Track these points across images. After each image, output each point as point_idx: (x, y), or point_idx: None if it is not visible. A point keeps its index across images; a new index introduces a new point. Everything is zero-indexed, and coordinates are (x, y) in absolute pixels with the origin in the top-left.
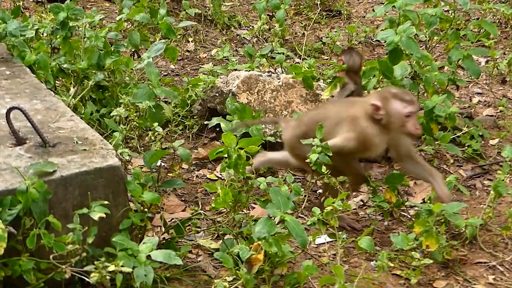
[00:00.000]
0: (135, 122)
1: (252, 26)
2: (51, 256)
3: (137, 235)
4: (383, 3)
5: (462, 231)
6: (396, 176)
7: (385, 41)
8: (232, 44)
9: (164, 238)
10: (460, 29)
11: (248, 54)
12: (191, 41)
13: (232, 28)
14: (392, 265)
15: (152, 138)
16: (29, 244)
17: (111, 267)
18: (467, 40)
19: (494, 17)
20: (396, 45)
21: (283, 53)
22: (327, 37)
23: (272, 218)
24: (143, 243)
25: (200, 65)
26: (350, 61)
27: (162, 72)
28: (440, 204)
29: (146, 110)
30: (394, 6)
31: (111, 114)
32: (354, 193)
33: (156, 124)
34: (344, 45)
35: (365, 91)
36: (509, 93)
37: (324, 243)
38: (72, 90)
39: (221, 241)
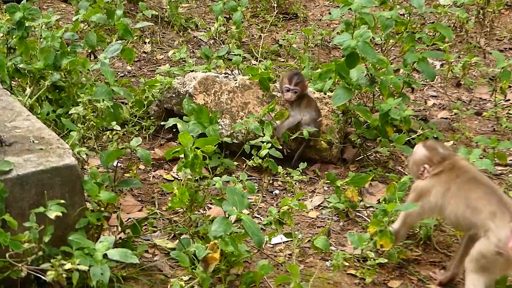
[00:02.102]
0: (92, 122)
1: (209, 28)
2: (7, 255)
3: (94, 235)
4: (339, 6)
5: (416, 231)
6: (362, 177)
7: (341, 45)
8: (189, 45)
9: (120, 237)
10: (416, 32)
11: (205, 56)
12: (148, 42)
13: (189, 30)
14: (347, 264)
15: (110, 137)
16: None
17: (68, 265)
18: (423, 43)
19: (449, 21)
20: (352, 50)
21: (240, 55)
22: (283, 40)
23: (228, 217)
24: (100, 242)
25: (157, 67)
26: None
27: (119, 73)
28: (395, 204)
29: (104, 110)
30: (350, 9)
31: (70, 113)
32: (309, 194)
33: (114, 123)
34: (301, 48)
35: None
36: (463, 96)
37: (280, 242)
38: (28, 90)
39: (177, 240)
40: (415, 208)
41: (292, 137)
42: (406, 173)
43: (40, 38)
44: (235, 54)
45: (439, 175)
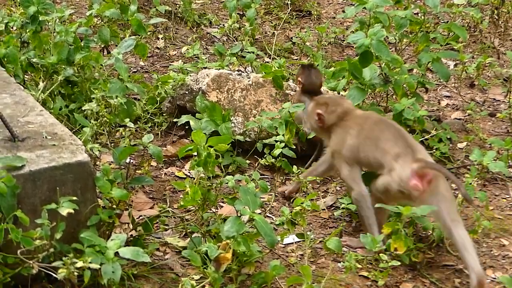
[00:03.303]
0: (105, 118)
1: (223, 25)
2: (18, 251)
3: (105, 232)
4: (353, 4)
5: (429, 233)
6: (369, 174)
7: (355, 44)
8: (202, 42)
9: (131, 235)
10: (430, 32)
11: (218, 53)
12: (161, 38)
13: (202, 26)
14: (359, 266)
15: (123, 133)
16: None
17: (79, 263)
18: (437, 43)
19: (463, 20)
20: (366, 48)
21: (253, 52)
22: (297, 37)
23: (241, 216)
24: (111, 239)
25: (170, 63)
26: (308, 81)
27: (132, 68)
28: (410, 208)
29: (117, 106)
30: (364, 8)
31: (83, 109)
32: (322, 194)
33: (127, 119)
34: (314, 45)
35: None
36: (477, 96)
37: (292, 243)
38: (41, 85)
39: (188, 239)
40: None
41: (310, 137)
42: None
43: (54, 33)
44: (248, 52)
45: (345, 120)
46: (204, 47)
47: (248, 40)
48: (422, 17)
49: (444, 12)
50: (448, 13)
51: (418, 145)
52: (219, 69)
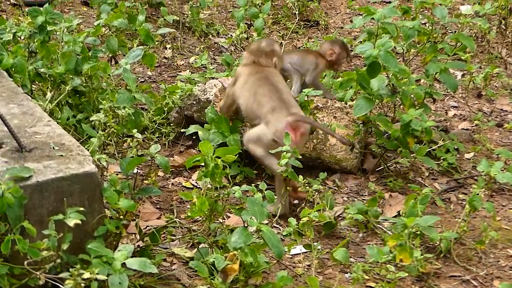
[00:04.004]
0: (113, 129)
1: (231, 35)
2: (25, 262)
3: (112, 242)
4: (361, 14)
5: (436, 244)
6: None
7: (363, 54)
8: (210, 52)
9: (138, 245)
10: (437, 42)
11: (226, 63)
12: (169, 48)
13: (210, 36)
14: (367, 277)
15: (130, 144)
16: (3, 249)
17: (86, 274)
18: (444, 53)
19: (471, 30)
20: (374, 59)
21: None
22: (304, 47)
23: (248, 227)
24: (118, 250)
25: (178, 73)
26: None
27: (139, 78)
28: (414, 218)
29: (125, 117)
30: (372, 18)
31: (91, 119)
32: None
33: (135, 130)
34: None
35: None
36: (484, 107)
37: (299, 253)
38: (49, 95)
39: (195, 250)
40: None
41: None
42: (426, 185)
43: (62, 42)
44: None
45: (248, 66)
46: (212, 57)
47: None
48: (430, 27)
49: (451, 22)
50: (456, 23)
51: (292, 101)
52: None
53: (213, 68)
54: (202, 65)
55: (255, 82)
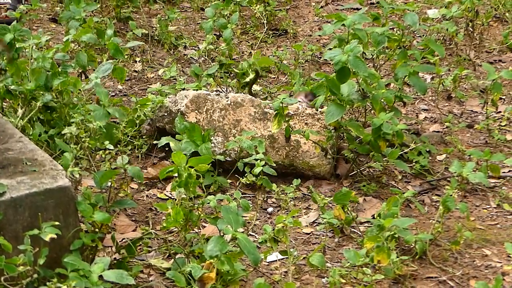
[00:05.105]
0: (87, 143)
1: (198, 47)
2: (2, 278)
3: (88, 256)
4: (330, 22)
5: (412, 246)
6: (344, 193)
7: (332, 60)
8: (180, 64)
9: (115, 258)
10: (406, 47)
11: (194, 74)
12: (139, 61)
13: (180, 48)
14: (343, 281)
15: (103, 156)
16: None
17: None
18: (414, 59)
19: (439, 34)
20: (343, 64)
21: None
22: (274, 56)
23: (224, 236)
24: (95, 263)
25: (148, 85)
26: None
27: (110, 92)
28: (391, 220)
29: (97, 130)
30: (342, 25)
31: (63, 132)
32: (304, 210)
33: (107, 142)
34: (291, 63)
35: None
36: (454, 109)
37: (276, 260)
38: (20, 112)
39: (172, 260)
40: None
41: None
42: (399, 188)
43: (31, 59)
44: (226, 72)
45: None
46: (181, 69)
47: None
48: (399, 33)
49: (420, 28)
50: (424, 29)
51: None
52: (197, 90)
53: (183, 80)
54: (171, 77)
55: None
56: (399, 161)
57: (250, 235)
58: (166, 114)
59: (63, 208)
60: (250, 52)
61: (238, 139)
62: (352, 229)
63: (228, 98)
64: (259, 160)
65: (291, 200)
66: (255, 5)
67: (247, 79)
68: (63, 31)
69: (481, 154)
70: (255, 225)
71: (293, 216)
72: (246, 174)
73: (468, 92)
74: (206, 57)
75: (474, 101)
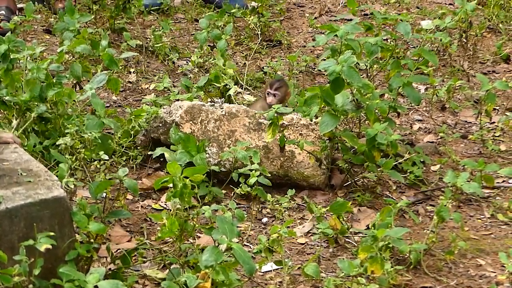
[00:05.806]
0: (82, 154)
1: (191, 58)
2: None
3: (84, 266)
4: (323, 32)
5: (406, 256)
6: (341, 204)
7: (326, 71)
8: (174, 74)
9: (110, 268)
10: (400, 57)
11: (185, 87)
12: (133, 72)
13: (174, 59)
14: None
15: (98, 166)
16: None
17: None
18: (407, 69)
19: (432, 45)
20: (337, 75)
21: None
22: (268, 67)
23: (219, 246)
24: (90, 273)
25: (143, 96)
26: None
27: (105, 103)
28: (384, 230)
29: (92, 141)
30: (335, 35)
31: (57, 143)
32: (299, 220)
33: (102, 152)
34: (285, 74)
35: None
36: (448, 119)
37: (271, 270)
38: (15, 123)
39: (167, 270)
40: None
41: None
42: (394, 198)
43: (26, 70)
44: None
45: None
46: (175, 80)
47: (220, 71)
48: (393, 42)
49: (413, 38)
50: (418, 38)
51: None
52: (191, 100)
53: (177, 91)
54: (165, 88)
55: None
56: (393, 172)
57: (245, 245)
58: (160, 124)
59: (59, 218)
60: (245, 63)
61: (232, 150)
62: (347, 239)
63: (222, 108)
64: (253, 171)
65: (285, 210)
66: (249, 16)
67: (230, 92)
68: (57, 42)
69: (475, 165)
70: (249, 235)
71: (288, 226)
72: (240, 185)
73: (462, 103)
74: (200, 68)
75: (468, 111)
